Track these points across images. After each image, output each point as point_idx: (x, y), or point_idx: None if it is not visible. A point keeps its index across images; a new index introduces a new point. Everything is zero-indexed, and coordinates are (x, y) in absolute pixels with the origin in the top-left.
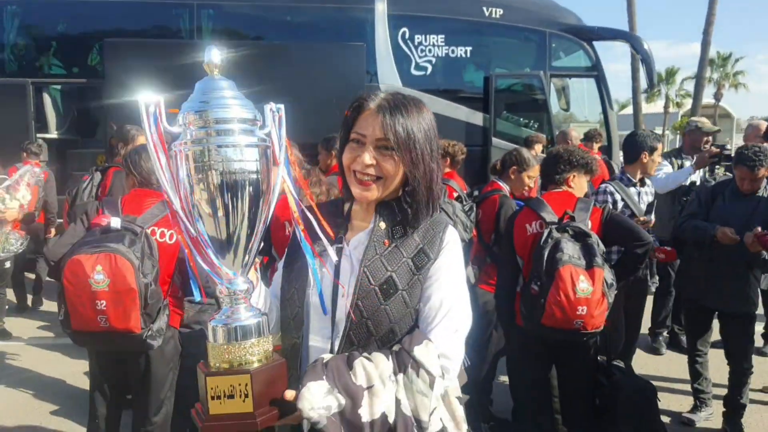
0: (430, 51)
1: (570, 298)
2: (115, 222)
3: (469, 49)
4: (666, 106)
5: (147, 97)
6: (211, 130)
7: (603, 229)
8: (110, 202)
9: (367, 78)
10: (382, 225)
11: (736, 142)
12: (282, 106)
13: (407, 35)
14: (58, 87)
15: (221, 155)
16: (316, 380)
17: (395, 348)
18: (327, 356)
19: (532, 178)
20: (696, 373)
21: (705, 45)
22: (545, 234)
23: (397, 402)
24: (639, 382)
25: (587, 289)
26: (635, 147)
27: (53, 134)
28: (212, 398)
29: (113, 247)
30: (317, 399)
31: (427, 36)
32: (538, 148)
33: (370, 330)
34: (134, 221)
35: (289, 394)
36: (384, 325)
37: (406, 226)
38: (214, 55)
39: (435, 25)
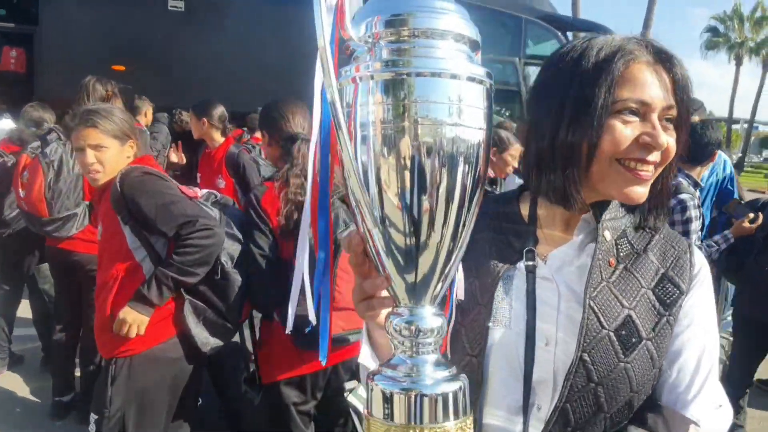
0: None
1: None
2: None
3: None
4: None
5: None
6: (413, 47)
7: None
8: None
9: None
10: (608, 235)
11: None
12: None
13: None
14: None
15: (428, 91)
16: None
17: None
18: None
19: (515, 157)
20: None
21: None
22: None
23: None
24: None
25: None
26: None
27: None
28: None
29: None
30: None
31: None
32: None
33: (599, 402)
34: None
35: None
36: (622, 394)
37: (632, 239)
38: None
39: None
